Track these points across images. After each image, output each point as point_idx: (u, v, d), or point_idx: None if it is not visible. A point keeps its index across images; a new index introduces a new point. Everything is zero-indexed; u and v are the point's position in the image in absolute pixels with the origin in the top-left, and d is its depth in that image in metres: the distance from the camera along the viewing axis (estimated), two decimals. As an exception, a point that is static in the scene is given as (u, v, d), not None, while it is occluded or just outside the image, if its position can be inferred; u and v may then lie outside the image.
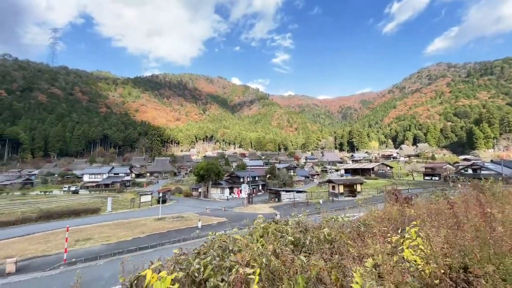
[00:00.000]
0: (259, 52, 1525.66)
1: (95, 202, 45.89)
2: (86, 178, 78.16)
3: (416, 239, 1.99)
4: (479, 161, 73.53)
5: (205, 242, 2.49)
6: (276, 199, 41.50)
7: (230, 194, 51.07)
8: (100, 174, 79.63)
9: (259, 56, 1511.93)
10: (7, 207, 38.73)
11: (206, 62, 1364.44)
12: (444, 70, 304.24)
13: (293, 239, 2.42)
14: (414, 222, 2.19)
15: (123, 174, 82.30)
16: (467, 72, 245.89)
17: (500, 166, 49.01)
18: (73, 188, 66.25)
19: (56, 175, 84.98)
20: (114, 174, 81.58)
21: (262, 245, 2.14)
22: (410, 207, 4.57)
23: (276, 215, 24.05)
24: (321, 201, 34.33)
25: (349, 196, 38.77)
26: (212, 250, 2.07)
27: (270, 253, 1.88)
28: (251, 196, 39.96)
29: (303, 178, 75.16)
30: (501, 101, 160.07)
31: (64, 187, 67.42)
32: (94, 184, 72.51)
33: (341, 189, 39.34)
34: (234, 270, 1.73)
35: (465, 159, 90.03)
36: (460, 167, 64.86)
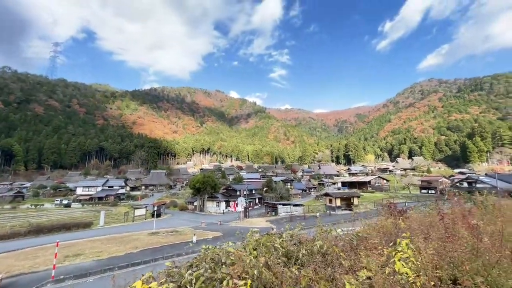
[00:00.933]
0: (257, 67, 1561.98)
1: (87, 216, 44.72)
2: (79, 191, 76.57)
3: (407, 251, 2.02)
4: (474, 174, 74.16)
5: (198, 255, 2.46)
6: (273, 213, 40.91)
7: (226, 207, 50.27)
8: (94, 187, 78.13)
9: (257, 71, 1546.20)
10: (-5, 221, 37.48)
11: (204, 76, 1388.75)
12: (435, 85, 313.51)
13: (285, 252, 2.42)
14: (405, 234, 2.21)
15: (117, 187, 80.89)
16: (458, 88, 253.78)
17: (494, 180, 49.43)
18: (65, 201, 64.65)
19: (48, 188, 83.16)
20: (109, 187, 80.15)
21: (255, 257, 2.13)
22: (405, 220, 4.59)
23: (272, 229, 23.65)
24: (318, 214, 33.94)
25: (346, 209, 38.44)
26: (204, 263, 2.06)
27: (261, 265, 1.87)
28: (247, 209, 39.40)
29: (300, 191, 74.62)
30: (492, 116, 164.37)
31: (56, 200, 65.79)
32: (87, 197, 70.96)
33: (338, 202, 39.06)
34: (225, 282, 1.72)
35: (460, 173, 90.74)
36: (456, 180, 65.19)
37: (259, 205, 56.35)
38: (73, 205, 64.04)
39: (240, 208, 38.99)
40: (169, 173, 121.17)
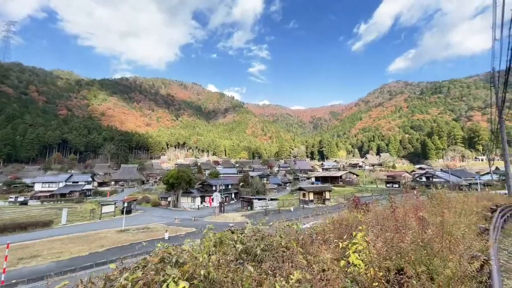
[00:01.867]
0: (236, 60, 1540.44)
1: (47, 214, 41.12)
2: (38, 187, 69.88)
3: (362, 243, 2.12)
4: (431, 169, 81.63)
5: (149, 255, 2.32)
6: (249, 207, 41.24)
7: (201, 203, 49.54)
8: (55, 182, 71.76)
9: (236, 65, 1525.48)
10: None
11: (182, 68, 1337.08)
12: (402, 87, 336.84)
13: (245, 248, 2.39)
14: (360, 227, 2.32)
15: (83, 183, 75.31)
16: (421, 90, 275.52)
17: (448, 175, 54.92)
18: (21, 199, 58.75)
19: (0, 184, 74.77)
20: (73, 182, 74.26)
21: (209, 256, 2.06)
22: (366, 213, 4.85)
23: (247, 223, 23.82)
24: (292, 208, 34.93)
25: (318, 203, 40.04)
26: (150, 264, 1.92)
27: (211, 264, 1.80)
28: (223, 204, 39.21)
29: (276, 186, 76.04)
30: (448, 117, 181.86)
31: (11, 198, 59.51)
32: (47, 194, 65.09)
33: (311, 196, 40.51)
34: (165, 285, 1.62)
35: (420, 168, 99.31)
36: (416, 175, 71.26)
37: (235, 200, 56.41)
38: (31, 202, 58.47)
39: (215, 204, 38.65)
40: (142, 168, 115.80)
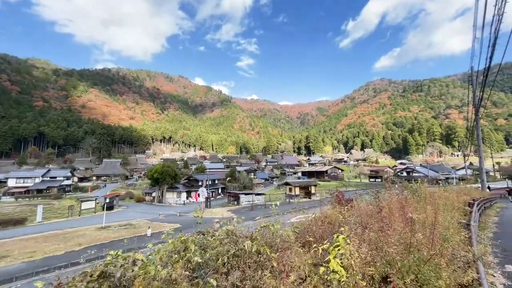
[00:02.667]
0: (225, 54, 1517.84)
1: (21, 211, 38.85)
2: (11, 182, 65.86)
3: (344, 246, 1.91)
4: (412, 165, 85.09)
5: (97, 265, 1.98)
6: (235, 203, 41.06)
7: (187, 198, 48.73)
8: (31, 178, 67.92)
9: (225, 58, 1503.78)
10: None
11: (168, 60, 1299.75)
12: (386, 85, 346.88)
13: (216, 253, 2.11)
14: (342, 228, 2.12)
15: (62, 178, 71.91)
16: (404, 88, 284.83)
17: (426, 169, 57.42)
18: (-8, 195, 55.23)
19: (-31, 180, 69.73)
20: (51, 178, 70.70)
21: (163, 267, 1.76)
22: (350, 209, 4.73)
23: (233, 218, 23.68)
24: (278, 203, 35.13)
25: (304, 197, 40.57)
26: (83, 282, 1.52)
27: (157, 280, 1.47)
28: (209, 200, 38.76)
29: (263, 180, 76.29)
30: (428, 114, 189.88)
31: (-20, 194, 55.79)
32: (22, 190, 61.57)
33: (297, 191, 40.95)
34: None
35: (401, 163, 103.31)
36: (397, 170, 73.97)
37: (222, 195, 56.01)
38: (4, 199, 55.21)
39: (201, 199, 38.11)
40: (126, 163, 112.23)
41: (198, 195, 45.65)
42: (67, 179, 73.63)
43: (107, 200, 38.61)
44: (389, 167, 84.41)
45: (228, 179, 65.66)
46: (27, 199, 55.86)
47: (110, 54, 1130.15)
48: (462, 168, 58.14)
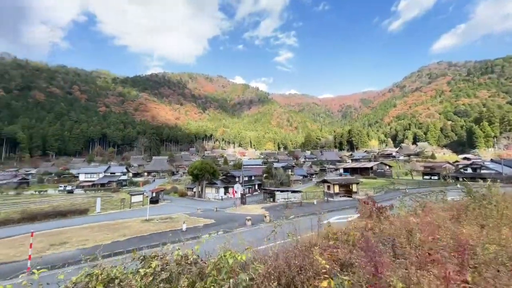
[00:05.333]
0: (263, 50, 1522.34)
1: (88, 202, 45.06)
2: (82, 177, 77.43)
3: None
4: (479, 160, 72.35)
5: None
6: (271, 199, 40.52)
7: (225, 194, 50.12)
8: (96, 173, 78.80)
9: (263, 54, 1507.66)
10: (-4, 208, 37.91)
11: (210, 61, 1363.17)
12: (444, 69, 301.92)
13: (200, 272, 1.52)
14: (324, 270, 1.25)
15: (119, 173, 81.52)
16: (468, 71, 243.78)
17: (500, 166, 47.94)
18: (68, 188, 65.54)
19: (52, 174, 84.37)
20: (111, 173, 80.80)
21: None
22: (383, 222, 3.62)
23: (265, 216, 23.10)
24: (315, 201, 33.38)
25: (345, 196, 37.77)
26: None
27: None
28: (244, 196, 39.06)
29: (301, 177, 74.14)
30: (502, 100, 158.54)
31: (60, 187, 66.78)
32: (89, 184, 71.73)
33: (337, 189, 38.32)
34: None
35: (465, 158, 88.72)
36: (460, 166, 63.68)
37: (259, 192, 56.12)
38: (76, 191, 64.87)
39: (238, 195, 38.66)
40: (172, 160, 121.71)
41: (235, 191, 46.58)
42: (123, 175, 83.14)
43: (153, 195, 42.15)
44: (449, 163, 73.29)
45: (265, 175, 65.63)
46: (93, 191, 64.73)
47: (158, 59, 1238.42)
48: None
